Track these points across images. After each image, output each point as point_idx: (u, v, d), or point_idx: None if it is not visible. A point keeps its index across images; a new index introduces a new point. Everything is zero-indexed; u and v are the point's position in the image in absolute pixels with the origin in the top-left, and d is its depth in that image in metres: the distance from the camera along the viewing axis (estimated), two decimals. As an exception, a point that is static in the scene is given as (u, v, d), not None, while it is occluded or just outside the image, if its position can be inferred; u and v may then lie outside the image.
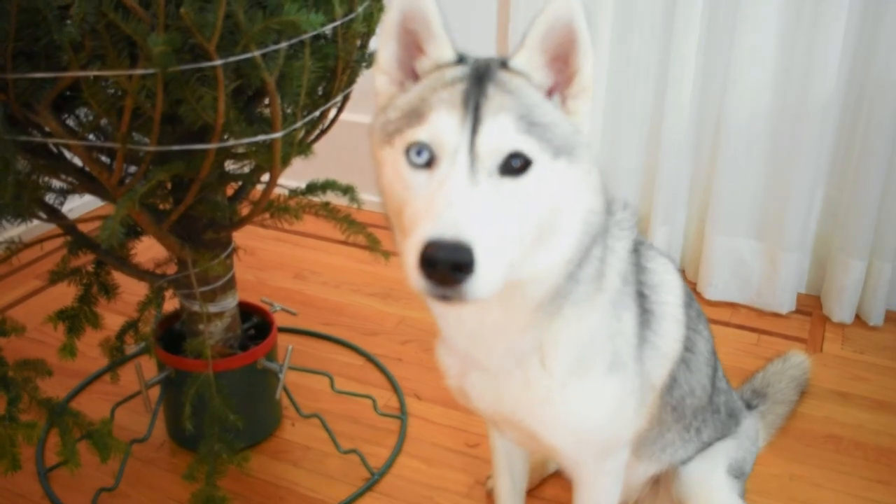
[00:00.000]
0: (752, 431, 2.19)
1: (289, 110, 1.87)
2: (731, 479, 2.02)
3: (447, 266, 1.17)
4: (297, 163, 1.98)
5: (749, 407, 2.38)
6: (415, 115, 1.35)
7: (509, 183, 1.29)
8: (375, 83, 1.47)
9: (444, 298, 1.23)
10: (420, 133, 1.32)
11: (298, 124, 1.86)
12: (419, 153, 1.31)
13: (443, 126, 1.30)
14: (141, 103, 1.66)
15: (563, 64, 1.41)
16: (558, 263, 1.42)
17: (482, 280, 1.19)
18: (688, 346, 1.81)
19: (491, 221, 1.23)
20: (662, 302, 1.73)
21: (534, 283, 1.43)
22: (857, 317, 3.12)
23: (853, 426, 2.56)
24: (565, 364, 1.56)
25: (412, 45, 1.44)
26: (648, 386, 1.72)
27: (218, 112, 1.71)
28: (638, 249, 1.70)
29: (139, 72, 1.61)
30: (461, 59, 1.42)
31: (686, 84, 3.07)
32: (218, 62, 1.64)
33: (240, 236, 2.31)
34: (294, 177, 2.23)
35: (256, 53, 1.67)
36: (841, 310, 3.09)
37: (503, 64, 1.41)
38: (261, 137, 1.81)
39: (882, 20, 2.77)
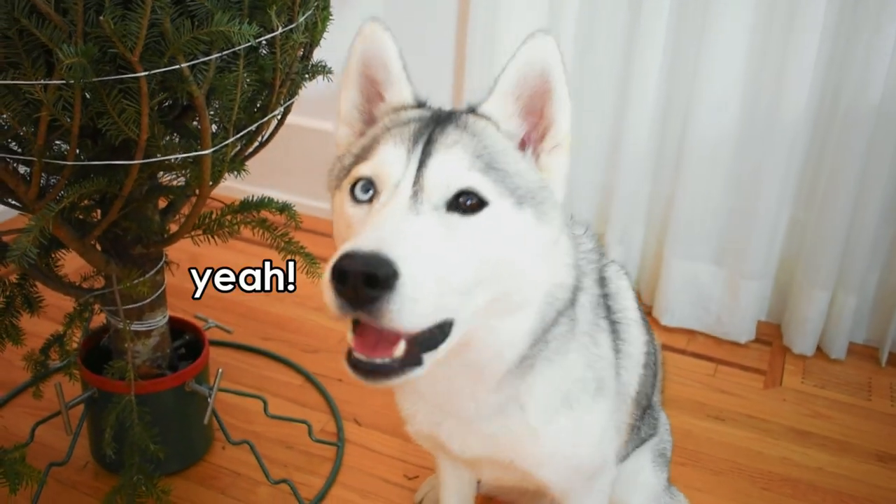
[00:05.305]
0: (667, 423, 2.11)
1: (223, 125, 1.74)
2: (657, 464, 1.97)
3: (359, 277, 1.02)
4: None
5: None
6: (363, 153, 1.27)
7: (458, 219, 1.17)
8: (336, 134, 1.40)
9: (365, 360, 1.14)
10: (364, 168, 1.23)
11: (230, 140, 1.73)
12: (365, 190, 1.22)
13: (386, 158, 1.21)
14: (58, 115, 1.52)
15: (537, 117, 1.31)
16: (520, 336, 1.33)
17: (409, 302, 1.05)
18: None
19: (427, 249, 1.11)
20: (624, 308, 1.66)
21: (496, 356, 1.34)
22: (819, 349, 3.00)
23: (812, 468, 2.44)
24: (550, 405, 1.47)
25: (374, 93, 1.38)
26: (627, 397, 1.65)
27: (142, 127, 1.58)
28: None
29: (53, 82, 1.47)
30: (421, 105, 1.36)
31: (648, 99, 2.97)
32: (141, 74, 1.50)
33: (183, 242, 2.14)
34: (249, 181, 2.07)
35: (184, 66, 1.53)
36: (802, 341, 2.97)
37: (472, 110, 1.32)
38: (188, 154, 1.68)
39: (857, 37, 2.65)
